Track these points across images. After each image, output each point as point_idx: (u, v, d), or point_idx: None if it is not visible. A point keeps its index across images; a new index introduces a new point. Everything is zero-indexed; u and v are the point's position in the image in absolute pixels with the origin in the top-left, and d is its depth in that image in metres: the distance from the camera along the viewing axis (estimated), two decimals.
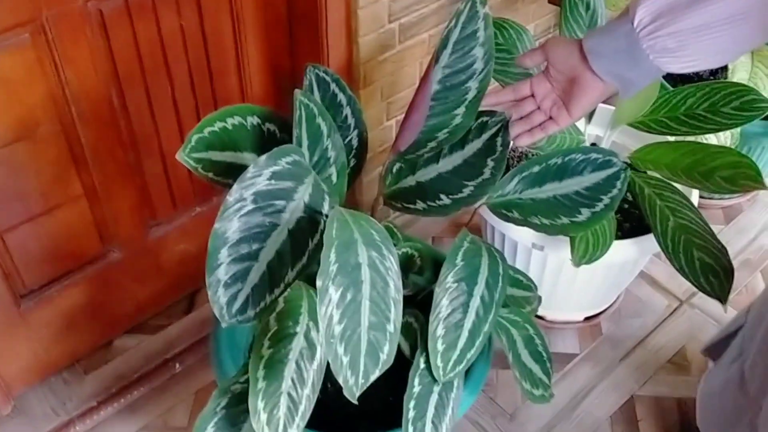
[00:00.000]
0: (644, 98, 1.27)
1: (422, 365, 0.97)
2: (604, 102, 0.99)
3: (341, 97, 1.14)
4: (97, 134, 1.25)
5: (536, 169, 1.11)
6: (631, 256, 1.33)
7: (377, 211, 1.58)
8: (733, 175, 1.21)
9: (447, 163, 1.09)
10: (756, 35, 0.80)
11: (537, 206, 1.10)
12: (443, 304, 0.96)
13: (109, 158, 1.30)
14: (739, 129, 1.41)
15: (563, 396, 1.49)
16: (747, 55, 1.53)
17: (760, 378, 1.03)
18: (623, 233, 1.38)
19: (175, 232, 1.49)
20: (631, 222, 1.41)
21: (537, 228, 1.09)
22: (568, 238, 1.25)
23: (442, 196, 1.08)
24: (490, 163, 1.07)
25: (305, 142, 0.99)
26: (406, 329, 1.07)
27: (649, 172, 1.33)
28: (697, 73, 1.86)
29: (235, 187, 0.84)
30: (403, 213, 1.14)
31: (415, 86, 1.54)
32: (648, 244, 1.28)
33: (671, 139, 1.34)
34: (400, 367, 1.02)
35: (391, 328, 0.84)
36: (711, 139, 1.42)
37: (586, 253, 1.19)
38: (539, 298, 1.18)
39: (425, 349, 0.97)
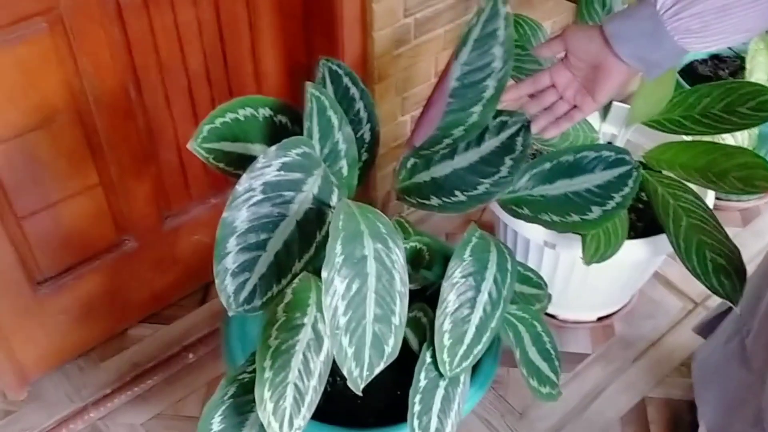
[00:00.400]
0: (660, 97, 1.26)
1: (428, 359, 0.97)
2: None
3: (354, 90, 1.14)
4: (113, 124, 1.27)
5: (548, 165, 1.11)
6: (644, 256, 1.33)
7: (389, 205, 1.59)
8: (747, 176, 1.20)
9: (462, 160, 1.09)
10: None
11: (547, 203, 1.10)
12: (450, 299, 0.96)
13: (124, 148, 1.31)
14: (756, 129, 1.40)
15: (574, 396, 1.49)
16: (765, 54, 1.51)
17: (764, 350, 1.03)
18: (637, 233, 1.37)
19: (190, 222, 1.51)
20: (645, 222, 1.40)
21: (547, 225, 1.09)
22: (579, 237, 1.25)
23: (457, 193, 1.08)
24: (509, 161, 1.07)
25: (316, 135, 0.99)
26: (415, 324, 1.07)
27: (664, 172, 1.33)
28: (715, 73, 1.84)
29: (244, 177, 0.85)
30: (417, 209, 1.15)
31: (431, 82, 1.55)
32: (660, 244, 1.27)
33: (687, 138, 1.33)
34: (408, 362, 1.03)
35: (396, 321, 0.84)
36: (728, 139, 1.41)
37: (597, 252, 1.18)
38: (549, 296, 1.18)
39: (432, 344, 0.97)
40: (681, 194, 1.24)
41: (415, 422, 0.96)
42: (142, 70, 1.25)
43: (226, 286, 0.86)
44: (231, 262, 0.85)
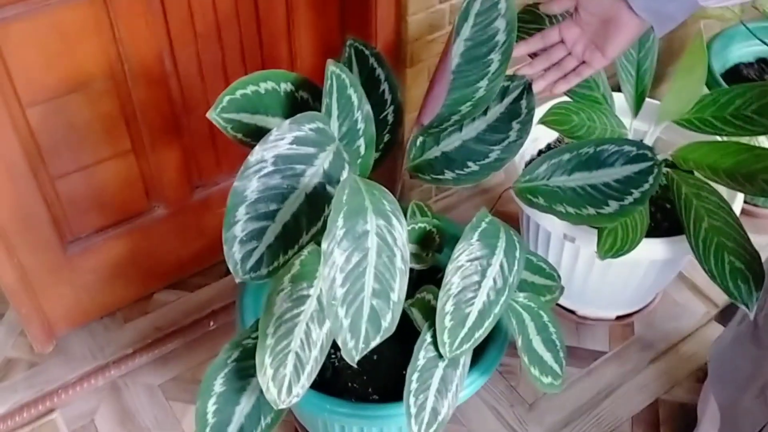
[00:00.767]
0: (690, 95, 1.24)
1: (429, 339, 0.99)
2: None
3: (380, 71, 1.15)
4: (147, 93, 1.31)
5: (567, 156, 1.11)
6: (662, 256, 1.31)
7: (402, 185, 1.60)
8: None
9: (470, 131, 1.10)
10: None
11: (564, 194, 1.10)
12: (454, 281, 0.97)
13: (157, 117, 1.35)
14: None
15: (586, 392, 1.48)
16: None
17: None
18: (661, 232, 1.35)
19: (218, 194, 1.54)
20: (671, 221, 1.39)
21: (561, 216, 1.09)
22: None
23: (470, 164, 1.10)
24: (516, 125, 1.08)
25: (335, 113, 1.01)
26: (422, 305, 1.08)
27: (695, 173, 1.31)
28: (761, 77, 1.80)
29: (257, 148, 0.87)
30: (433, 184, 1.16)
31: None
32: (680, 245, 1.26)
33: (718, 139, 1.31)
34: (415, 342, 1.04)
35: (395, 297, 0.85)
36: (763, 141, 1.38)
37: (612, 247, 1.18)
38: (561, 288, 1.18)
39: (434, 324, 0.98)
40: (705, 195, 1.22)
41: (411, 399, 0.97)
42: (177, 41, 1.29)
43: (234, 253, 0.88)
44: (240, 230, 0.88)
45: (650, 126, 1.37)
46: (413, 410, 0.97)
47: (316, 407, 1.09)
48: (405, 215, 0.89)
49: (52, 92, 1.21)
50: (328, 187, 0.91)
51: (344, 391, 1.19)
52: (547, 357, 1.08)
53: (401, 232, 0.86)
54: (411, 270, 1.15)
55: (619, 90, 1.37)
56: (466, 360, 1.02)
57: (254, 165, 0.87)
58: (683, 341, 1.57)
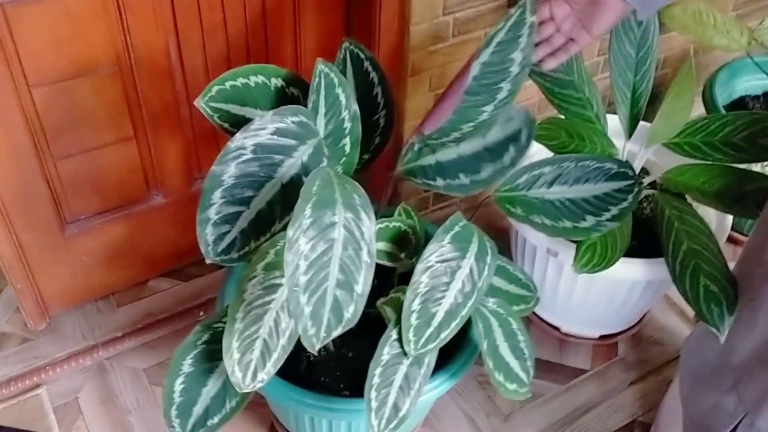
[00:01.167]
0: (679, 120, 1.26)
1: (394, 336, 1.01)
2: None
3: (374, 75, 1.18)
4: (152, 83, 1.35)
5: (547, 169, 1.13)
6: (641, 276, 1.32)
7: (399, 191, 1.63)
8: (762, 201, 1.18)
9: (468, 147, 1.12)
10: None
11: (542, 206, 1.12)
12: (423, 280, 0.99)
13: (161, 107, 1.39)
14: None
15: (563, 407, 1.49)
16: None
17: (735, 322, 1.09)
18: (648, 254, 1.36)
19: None
20: (658, 244, 1.39)
21: (537, 227, 1.11)
22: None
23: (461, 176, 1.12)
24: (512, 150, 1.10)
25: (322, 110, 1.04)
26: (396, 305, 1.10)
27: (686, 195, 1.32)
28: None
29: (238, 135, 0.91)
30: (423, 188, 1.18)
31: None
32: (659, 266, 1.27)
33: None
34: None
35: (359, 289, 0.88)
36: (753, 167, 1.39)
37: (589, 262, 1.19)
38: (537, 299, 1.19)
39: (399, 321, 1.00)
40: (687, 218, 1.24)
41: (373, 393, 0.99)
42: (184, 34, 1.33)
43: (207, 234, 0.92)
44: (214, 213, 0.91)
45: (641, 148, 1.39)
46: (374, 404, 0.99)
47: (284, 396, 1.11)
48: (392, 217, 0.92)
49: (60, 75, 1.25)
50: (305, 179, 0.94)
51: (316, 385, 1.21)
52: (514, 364, 1.10)
53: (369, 227, 0.89)
54: (390, 270, 1.18)
55: (614, 112, 1.39)
56: (431, 360, 1.04)
57: (233, 151, 0.90)
58: (666, 365, 1.57)
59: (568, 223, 1.10)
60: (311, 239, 0.83)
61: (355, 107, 1.06)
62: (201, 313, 1.62)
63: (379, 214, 1.11)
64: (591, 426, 1.46)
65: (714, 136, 1.27)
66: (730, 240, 1.71)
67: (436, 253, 1.00)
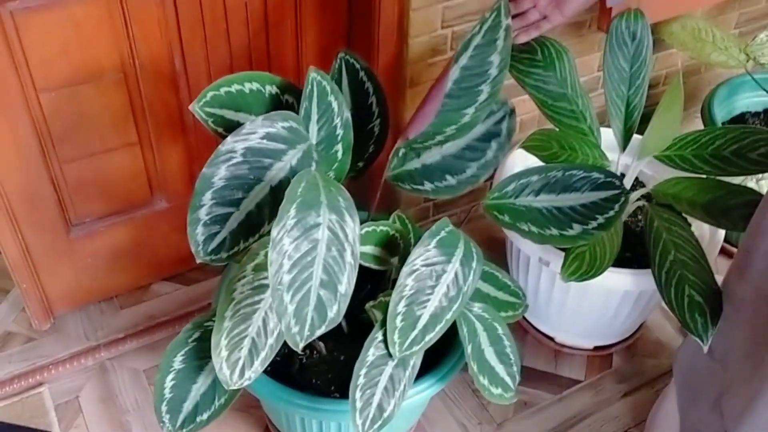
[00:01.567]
0: (668, 133, 1.28)
1: (379, 337, 1.03)
2: None
3: (369, 85, 1.22)
4: (156, 90, 1.39)
5: (535, 177, 1.15)
6: (632, 287, 1.34)
7: (398, 201, 1.65)
8: (749, 215, 1.19)
9: (451, 147, 1.16)
10: None
11: (529, 214, 1.14)
12: (408, 283, 1.01)
13: (164, 114, 1.43)
14: None
15: (556, 417, 1.50)
16: None
17: (723, 339, 1.10)
18: (641, 266, 1.37)
19: None
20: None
21: (523, 234, 1.13)
22: None
23: (448, 177, 1.16)
24: (494, 145, 1.14)
25: (314, 116, 1.07)
26: (384, 308, 1.12)
27: (675, 206, 1.34)
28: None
29: (228, 138, 0.94)
30: (412, 194, 1.21)
31: None
32: (646, 277, 1.28)
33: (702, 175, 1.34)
34: None
35: (342, 289, 0.90)
36: (748, 179, 1.41)
37: (577, 271, 1.21)
38: (525, 306, 1.21)
39: (385, 324, 1.02)
40: (676, 229, 1.25)
41: (358, 393, 1.01)
42: (188, 43, 1.37)
43: (197, 234, 0.95)
44: (204, 213, 0.94)
45: (633, 160, 1.40)
46: (359, 404, 1.01)
47: (275, 397, 1.14)
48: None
49: (66, 80, 1.29)
50: None
51: (308, 387, 1.23)
52: (499, 369, 1.11)
53: (353, 229, 0.91)
54: (380, 274, 1.20)
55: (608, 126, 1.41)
56: (416, 362, 1.06)
57: (224, 154, 0.93)
58: (660, 378, 1.58)
59: (554, 231, 1.12)
60: (295, 239, 0.86)
61: (347, 114, 1.10)
62: None
63: (368, 219, 1.14)
64: None
65: (704, 149, 1.29)
66: (728, 254, 1.72)
67: (421, 257, 1.02)
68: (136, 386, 1.51)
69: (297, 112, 1.09)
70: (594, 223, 1.12)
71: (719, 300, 1.15)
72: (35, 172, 1.37)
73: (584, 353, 1.61)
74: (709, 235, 1.42)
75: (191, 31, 1.36)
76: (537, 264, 1.43)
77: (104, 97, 1.35)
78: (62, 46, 1.25)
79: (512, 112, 1.20)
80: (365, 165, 1.24)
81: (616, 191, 1.13)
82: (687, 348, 1.26)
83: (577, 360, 1.60)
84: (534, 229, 1.12)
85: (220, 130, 1.04)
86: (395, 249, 1.12)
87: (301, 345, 0.89)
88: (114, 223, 1.54)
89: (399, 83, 1.52)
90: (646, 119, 1.36)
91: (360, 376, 1.01)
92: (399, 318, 1.01)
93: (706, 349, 1.11)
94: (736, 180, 1.53)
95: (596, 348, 1.60)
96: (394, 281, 1.22)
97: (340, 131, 1.10)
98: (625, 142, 1.41)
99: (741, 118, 1.87)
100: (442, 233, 1.05)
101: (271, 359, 1.00)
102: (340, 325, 1.24)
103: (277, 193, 0.96)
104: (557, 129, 1.37)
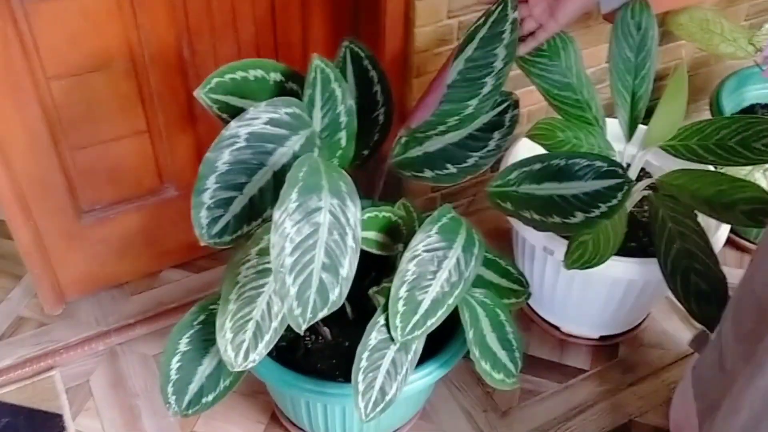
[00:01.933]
0: (672, 122, 1.28)
1: (381, 321, 1.04)
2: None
3: (373, 73, 1.23)
4: (165, 79, 1.40)
5: (537, 166, 1.15)
6: (637, 276, 1.34)
7: (407, 191, 1.66)
8: (752, 211, 1.20)
9: (453, 136, 1.17)
10: None
11: (532, 201, 1.14)
12: (410, 268, 1.02)
13: (173, 103, 1.45)
14: None
15: (560, 406, 1.51)
16: None
17: (733, 354, 1.07)
18: (646, 255, 1.37)
19: None
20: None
21: (526, 221, 1.14)
22: None
23: (449, 165, 1.17)
24: (497, 135, 1.16)
25: (318, 104, 1.08)
26: (387, 293, 1.13)
27: (679, 198, 1.33)
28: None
29: (232, 123, 0.96)
30: (413, 181, 1.23)
31: None
32: (651, 266, 1.28)
33: (704, 167, 1.34)
34: None
35: (344, 273, 0.91)
36: (755, 170, 1.40)
37: (580, 259, 1.21)
38: (528, 294, 1.22)
39: (387, 308, 1.03)
40: (681, 219, 1.25)
41: (360, 376, 1.02)
42: (195, 33, 1.38)
43: (201, 218, 0.96)
44: (208, 197, 0.96)
45: (638, 150, 1.41)
46: (361, 387, 1.03)
47: (280, 380, 1.15)
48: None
49: (76, 68, 1.31)
50: None
51: (313, 372, 1.25)
52: (502, 354, 1.12)
53: (355, 213, 0.92)
54: (385, 261, 1.21)
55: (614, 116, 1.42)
56: (418, 347, 1.07)
57: (228, 139, 0.95)
58: (665, 368, 1.58)
59: (557, 219, 1.12)
60: (297, 222, 0.87)
61: (351, 102, 1.11)
62: None
63: (371, 205, 1.15)
64: (587, 424, 1.48)
65: (709, 139, 1.29)
66: (736, 246, 1.71)
67: (423, 242, 1.03)
68: (146, 371, 1.53)
69: (301, 100, 1.11)
70: (597, 212, 1.13)
71: (725, 288, 1.15)
72: (46, 159, 1.39)
73: (590, 343, 1.61)
74: (715, 225, 1.42)
75: (199, 20, 1.37)
76: (542, 253, 1.43)
77: (113, 85, 1.37)
78: (72, 34, 1.27)
79: (516, 103, 1.21)
80: (370, 153, 1.25)
81: (619, 180, 1.13)
82: (705, 360, 1.24)
83: (582, 350, 1.61)
84: (537, 216, 1.13)
85: (224, 116, 1.06)
86: (399, 235, 1.13)
87: (304, 327, 0.90)
88: (124, 210, 1.56)
89: (405, 73, 1.53)
90: (652, 111, 1.36)
91: (362, 359, 1.03)
92: (401, 303, 1.02)
93: (712, 336, 1.11)
94: (744, 170, 1.53)
95: (602, 338, 1.60)
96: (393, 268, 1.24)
97: (343, 118, 1.11)
98: (630, 132, 1.41)
99: (750, 110, 1.86)
100: (444, 219, 1.06)
101: (275, 342, 1.01)
102: (345, 311, 1.26)
103: (279, 179, 0.98)
104: (561, 118, 1.37)
